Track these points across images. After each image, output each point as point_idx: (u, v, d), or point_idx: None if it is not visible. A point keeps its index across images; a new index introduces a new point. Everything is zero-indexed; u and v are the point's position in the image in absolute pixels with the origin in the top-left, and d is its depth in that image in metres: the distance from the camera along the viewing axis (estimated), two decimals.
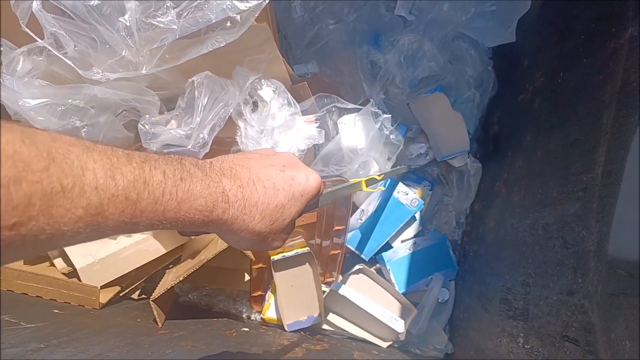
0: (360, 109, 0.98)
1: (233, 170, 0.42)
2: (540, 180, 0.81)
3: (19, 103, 0.72)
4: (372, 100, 0.99)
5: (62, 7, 0.67)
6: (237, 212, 0.41)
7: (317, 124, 0.91)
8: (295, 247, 1.03)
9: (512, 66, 1.03)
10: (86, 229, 0.30)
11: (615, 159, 0.60)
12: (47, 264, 0.96)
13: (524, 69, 0.97)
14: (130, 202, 0.32)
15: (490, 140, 1.12)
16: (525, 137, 0.91)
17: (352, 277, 1.08)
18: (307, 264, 1.03)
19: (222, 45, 0.72)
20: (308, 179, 0.47)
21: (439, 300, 1.12)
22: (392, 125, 1.00)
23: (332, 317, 1.06)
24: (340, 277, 1.11)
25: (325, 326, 1.06)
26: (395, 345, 1.06)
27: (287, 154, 0.50)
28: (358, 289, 1.06)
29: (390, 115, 1.00)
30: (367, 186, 0.71)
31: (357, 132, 0.98)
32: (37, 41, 0.70)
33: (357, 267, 1.08)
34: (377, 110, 0.98)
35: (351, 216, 1.06)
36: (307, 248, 1.02)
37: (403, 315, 1.03)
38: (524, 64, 0.97)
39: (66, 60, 0.70)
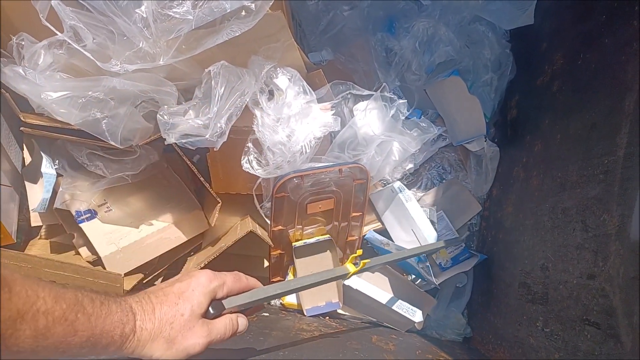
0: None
1: (136, 294, 0.52)
2: (560, 164, 0.80)
3: (42, 96, 0.74)
4: (385, 85, 0.98)
5: (80, 1, 0.68)
6: (141, 323, 0.48)
7: (333, 111, 0.91)
8: (316, 234, 1.04)
9: (531, 49, 1.01)
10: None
11: (637, 141, 0.59)
12: (73, 252, 0.99)
13: (542, 51, 0.95)
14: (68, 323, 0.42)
15: (508, 124, 1.11)
16: (544, 120, 0.90)
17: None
18: (327, 250, 1.04)
19: (237, 34, 0.72)
20: (193, 276, 0.55)
21: (457, 285, 1.12)
22: (407, 111, 0.99)
23: (349, 310, 1.07)
24: None
25: (342, 312, 1.07)
26: (414, 330, 1.07)
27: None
28: (374, 281, 1.06)
29: (405, 101, 0.99)
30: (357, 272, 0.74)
31: (371, 117, 0.98)
32: (57, 35, 0.71)
33: None
34: (392, 96, 0.98)
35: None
36: (328, 235, 1.03)
37: (421, 306, 1.04)
38: (542, 46, 0.95)
39: (85, 52, 0.72)
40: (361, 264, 0.74)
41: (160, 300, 0.51)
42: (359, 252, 0.76)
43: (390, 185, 1.07)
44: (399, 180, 1.10)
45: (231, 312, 0.57)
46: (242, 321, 0.58)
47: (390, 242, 1.08)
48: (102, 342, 0.45)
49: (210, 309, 0.54)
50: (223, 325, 0.54)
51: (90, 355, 0.45)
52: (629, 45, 0.64)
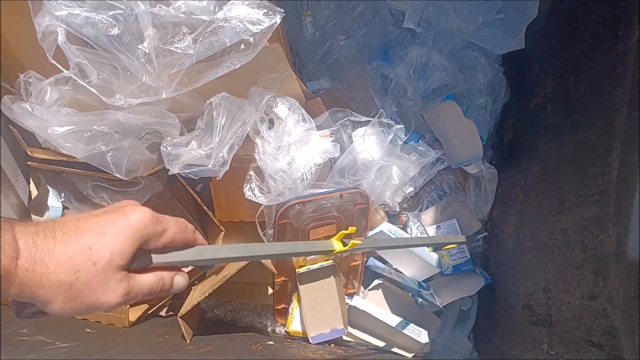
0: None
1: (34, 222, 0.38)
2: (557, 185, 0.81)
3: (48, 131, 0.76)
4: (382, 111, 1.01)
5: (85, 39, 0.71)
6: (26, 262, 0.35)
7: (332, 138, 0.93)
8: (319, 260, 1.04)
9: (523, 72, 1.03)
10: None
11: (629, 161, 0.60)
12: None
13: (534, 74, 0.98)
14: None
15: (505, 146, 1.12)
16: (540, 142, 0.91)
17: (373, 292, 1.09)
18: (331, 276, 1.04)
19: (237, 67, 0.74)
20: (125, 214, 0.41)
21: (462, 309, 1.12)
22: (405, 135, 1.01)
23: (355, 332, 1.06)
24: (362, 289, 1.11)
25: (348, 338, 1.06)
26: (420, 356, 1.06)
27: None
28: (379, 303, 1.06)
29: (403, 126, 1.01)
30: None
31: (370, 143, 0.99)
32: (63, 72, 0.74)
33: (376, 281, 1.09)
34: (389, 122, 1.00)
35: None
36: (331, 261, 1.04)
37: (426, 326, 1.03)
38: (534, 69, 0.98)
39: (90, 88, 0.74)
40: (350, 244, 0.65)
41: (69, 237, 0.38)
42: (352, 229, 0.67)
43: (379, 230, 1.08)
44: (399, 203, 1.11)
45: (166, 268, 0.44)
46: (179, 280, 0.45)
47: (392, 270, 1.08)
48: None
49: (135, 262, 0.41)
50: (149, 283, 0.42)
51: None
52: (615, 68, 0.66)
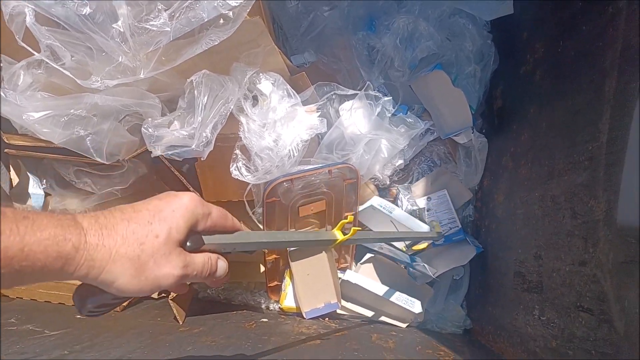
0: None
1: (90, 211, 0.41)
2: (547, 152, 0.80)
3: (23, 117, 0.73)
4: (369, 83, 0.98)
5: (56, 19, 0.68)
6: (95, 238, 0.37)
7: (319, 113, 0.91)
8: None
9: (512, 38, 1.01)
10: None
11: (619, 126, 0.60)
12: None
13: (523, 40, 0.96)
14: None
15: (494, 115, 1.11)
16: (529, 109, 0.90)
17: (365, 265, 1.09)
18: (322, 252, 1.04)
19: (216, 43, 0.72)
20: (177, 196, 0.44)
21: (454, 277, 1.13)
22: (393, 107, 0.99)
23: (349, 305, 1.07)
24: (354, 264, 1.12)
25: (342, 312, 1.07)
26: (414, 325, 1.07)
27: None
28: (371, 276, 1.07)
29: (390, 98, 0.99)
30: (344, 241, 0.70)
31: (357, 116, 0.98)
32: (34, 55, 0.71)
33: (368, 255, 1.09)
34: (377, 94, 0.98)
35: None
36: None
37: (419, 296, 1.04)
38: (523, 35, 0.96)
39: (64, 71, 0.71)
40: (352, 231, 0.69)
41: (129, 216, 0.41)
42: (350, 218, 0.71)
43: (369, 204, 1.08)
44: (389, 176, 1.11)
45: (211, 251, 0.48)
46: (222, 264, 0.49)
47: (383, 244, 1.08)
48: (31, 265, 0.34)
49: (188, 241, 0.45)
50: (202, 261, 0.45)
51: (23, 282, 0.36)
52: (605, 31, 0.64)
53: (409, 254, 1.09)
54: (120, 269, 0.39)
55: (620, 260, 0.57)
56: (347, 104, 0.99)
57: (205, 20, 0.70)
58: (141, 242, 0.40)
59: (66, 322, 0.79)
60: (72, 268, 0.36)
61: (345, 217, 0.84)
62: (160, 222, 0.41)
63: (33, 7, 0.66)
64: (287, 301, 1.06)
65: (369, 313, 1.07)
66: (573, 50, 0.75)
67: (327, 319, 1.05)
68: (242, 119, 0.85)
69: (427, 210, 1.13)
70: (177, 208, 0.43)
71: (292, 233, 0.63)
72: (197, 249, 0.46)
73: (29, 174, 0.88)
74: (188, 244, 0.44)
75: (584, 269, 0.65)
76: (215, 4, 0.69)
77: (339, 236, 0.69)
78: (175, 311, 0.86)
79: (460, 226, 1.13)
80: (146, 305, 0.99)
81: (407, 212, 1.10)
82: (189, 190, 0.92)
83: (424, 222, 1.08)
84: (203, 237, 0.46)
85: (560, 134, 0.77)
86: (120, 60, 0.72)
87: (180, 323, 0.86)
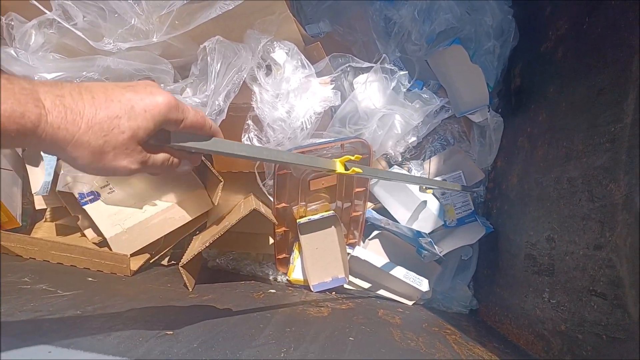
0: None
1: (56, 83, 0.39)
2: (565, 133, 0.78)
3: (35, 78, 0.72)
4: (385, 56, 0.96)
5: None
6: (57, 119, 0.37)
7: (333, 85, 0.89)
8: (320, 210, 1.04)
9: (534, 14, 0.98)
10: None
11: None
12: (79, 234, 1.00)
13: (546, 16, 0.92)
14: None
15: (512, 94, 1.08)
16: (549, 88, 0.87)
17: (373, 241, 1.09)
18: (332, 226, 1.04)
19: (230, 7, 0.70)
20: (153, 94, 0.43)
21: (463, 257, 1.12)
22: (408, 82, 0.97)
23: (356, 280, 1.07)
24: (362, 241, 1.11)
25: (349, 286, 1.08)
26: (421, 303, 1.07)
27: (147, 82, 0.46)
28: (379, 252, 1.06)
29: (406, 72, 0.97)
30: (345, 169, 0.68)
31: (372, 90, 0.96)
32: (45, 13, 0.69)
33: (376, 232, 1.09)
34: (392, 68, 0.96)
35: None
36: (332, 211, 1.03)
37: (426, 274, 1.04)
38: (546, 11, 0.92)
39: (76, 31, 0.70)
40: (351, 170, 0.68)
41: (98, 103, 0.40)
42: (357, 156, 0.70)
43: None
44: (401, 153, 1.09)
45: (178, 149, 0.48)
46: (185, 163, 0.50)
47: (390, 220, 1.07)
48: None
49: (152, 139, 0.45)
50: (161, 160, 0.46)
51: None
52: (635, 5, 0.61)
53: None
54: (80, 154, 0.40)
55: (638, 246, 0.56)
56: (361, 77, 0.97)
57: None
58: (105, 134, 0.40)
59: (78, 283, 0.80)
60: (35, 141, 0.37)
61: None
62: (129, 119, 0.41)
63: None
64: (295, 274, 1.07)
65: (375, 289, 1.08)
66: (599, 27, 0.72)
67: (334, 292, 1.05)
68: (255, 89, 0.84)
69: (442, 194, 1.12)
70: (150, 108, 0.42)
71: (280, 152, 0.61)
72: (161, 147, 0.46)
73: None
74: (151, 141, 0.45)
75: (599, 253, 0.64)
76: None
77: (339, 167, 0.67)
78: (185, 278, 0.87)
79: (472, 208, 1.12)
80: (156, 271, 1.00)
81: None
82: (201, 160, 0.92)
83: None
84: (172, 137, 0.46)
85: (581, 115, 0.74)
86: (133, 22, 0.71)
87: (190, 290, 0.87)
